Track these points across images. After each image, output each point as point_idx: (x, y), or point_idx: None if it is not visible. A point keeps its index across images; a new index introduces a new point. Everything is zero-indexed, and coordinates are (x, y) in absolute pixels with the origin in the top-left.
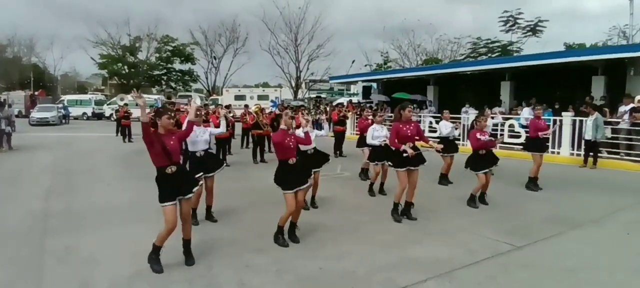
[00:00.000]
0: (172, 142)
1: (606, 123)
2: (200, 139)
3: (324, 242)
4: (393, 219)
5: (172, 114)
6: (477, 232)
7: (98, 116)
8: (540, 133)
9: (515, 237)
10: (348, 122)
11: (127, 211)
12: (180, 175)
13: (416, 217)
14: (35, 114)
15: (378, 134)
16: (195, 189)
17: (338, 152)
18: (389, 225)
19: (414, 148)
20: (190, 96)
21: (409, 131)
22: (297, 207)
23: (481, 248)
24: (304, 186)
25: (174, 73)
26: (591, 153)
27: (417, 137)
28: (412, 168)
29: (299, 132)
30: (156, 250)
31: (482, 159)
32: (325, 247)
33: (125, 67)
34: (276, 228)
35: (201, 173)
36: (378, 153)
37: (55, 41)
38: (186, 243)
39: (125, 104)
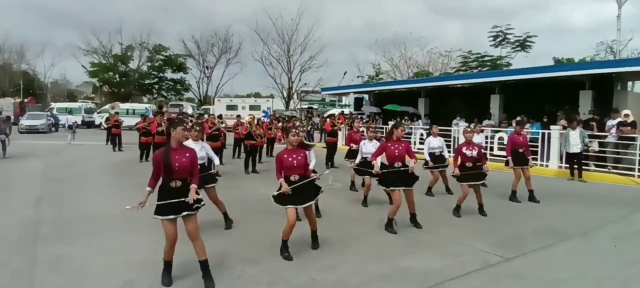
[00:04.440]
0: (183, 159)
1: (593, 137)
2: (198, 155)
3: (316, 252)
4: (388, 232)
5: (187, 126)
6: (467, 243)
7: (88, 124)
8: (519, 150)
9: (505, 249)
10: (340, 133)
11: (118, 220)
12: (183, 193)
13: (397, 230)
14: (25, 122)
15: (367, 149)
16: (198, 206)
17: (330, 163)
18: (381, 236)
19: (404, 166)
20: (182, 105)
21: (397, 151)
22: (310, 219)
23: (472, 259)
24: (309, 203)
25: (165, 82)
26: (575, 166)
27: (406, 155)
28: (408, 188)
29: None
30: (165, 265)
31: (468, 172)
32: (318, 258)
33: (117, 75)
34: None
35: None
36: (367, 167)
37: (46, 48)
38: (202, 263)
39: (116, 113)
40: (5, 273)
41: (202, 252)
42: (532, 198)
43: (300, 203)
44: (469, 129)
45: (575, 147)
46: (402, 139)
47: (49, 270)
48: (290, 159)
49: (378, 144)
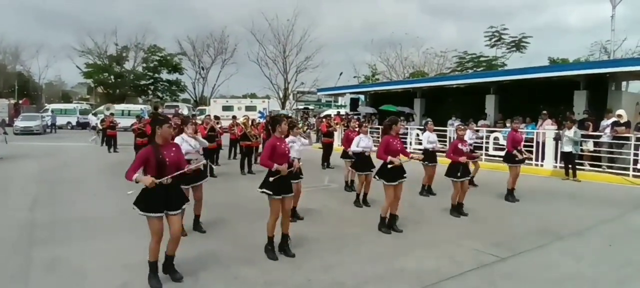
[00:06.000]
0: (172, 154)
1: (588, 136)
2: (192, 148)
3: (311, 253)
4: (382, 232)
5: (173, 124)
6: (463, 243)
7: (83, 126)
8: (517, 148)
9: (500, 249)
10: (336, 133)
11: (113, 222)
12: (172, 188)
13: (402, 229)
14: (19, 123)
15: (364, 144)
16: (184, 206)
17: (326, 164)
18: (377, 236)
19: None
20: (178, 106)
21: (398, 145)
22: (284, 214)
23: (467, 259)
24: (291, 194)
25: (161, 83)
26: (570, 165)
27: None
28: (402, 181)
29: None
30: (153, 267)
31: (460, 168)
32: (313, 259)
33: (112, 76)
34: (266, 240)
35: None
36: (363, 163)
37: (41, 49)
38: (169, 259)
39: (111, 114)
40: (2, 275)
41: (174, 250)
42: (510, 196)
43: (286, 192)
44: (461, 126)
45: (568, 146)
46: (399, 135)
47: (45, 273)
48: (282, 146)
49: (371, 139)
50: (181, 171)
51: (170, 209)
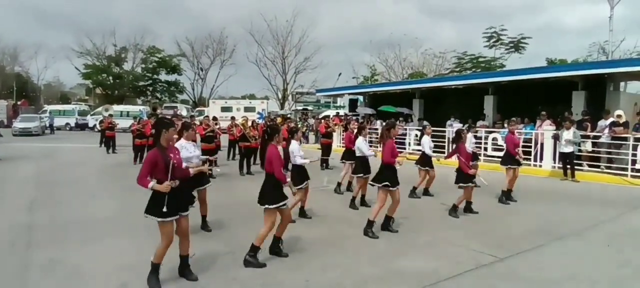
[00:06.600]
0: (178, 157)
1: (586, 137)
2: (193, 155)
3: (309, 254)
4: (369, 236)
5: (176, 128)
6: (461, 243)
7: (81, 127)
8: (516, 150)
9: (499, 249)
10: (335, 134)
11: (111, 223)
12: (181, 190)
13: (397, 229)
14: (18, 124)
15: (366, 148)
16: (192, 206)
17: (325, 165)
18: (375, 237)
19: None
20: (176, 107)
21: (397, 149)
22: (286, 220)
23: (465, 260)
24: (288, 201)
25: (159, 84)
26: (568, 166)
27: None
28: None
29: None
30: (155, 268)
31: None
32: (311, 260)
33: (110, 77)
34: (250, 248)
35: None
36: (364, 165)
37: (40, 50)
38: (185, 259)
39: (110, 115)
40: (0, 277)
41: (187, 249)
42: (508, 197)
43: (286, 199)
44: (463, 132)
45: (567, 147)
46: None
47: (43, 275)
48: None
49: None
50: (197, 168)
51: (182, 211)
